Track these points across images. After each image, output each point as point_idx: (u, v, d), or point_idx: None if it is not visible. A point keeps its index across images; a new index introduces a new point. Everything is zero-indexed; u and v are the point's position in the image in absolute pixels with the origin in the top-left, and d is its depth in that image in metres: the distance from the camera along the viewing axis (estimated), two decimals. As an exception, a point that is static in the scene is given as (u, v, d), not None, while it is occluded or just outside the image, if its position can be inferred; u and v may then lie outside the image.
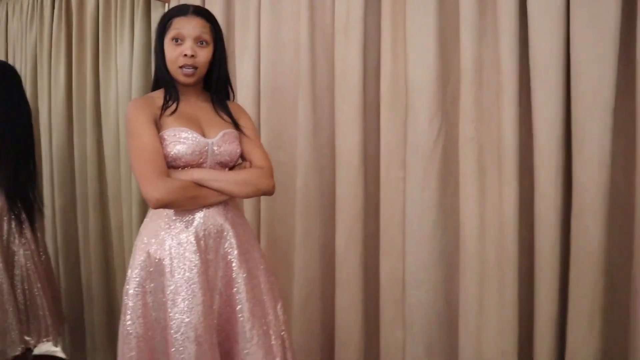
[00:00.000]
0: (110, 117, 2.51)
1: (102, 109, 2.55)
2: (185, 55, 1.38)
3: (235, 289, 1.41)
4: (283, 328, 1.49)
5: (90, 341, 2.79)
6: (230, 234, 1.44)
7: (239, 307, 1.40)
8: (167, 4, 2.29)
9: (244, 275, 1.42)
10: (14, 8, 3.00)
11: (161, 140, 1.37)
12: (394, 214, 1.73)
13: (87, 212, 2.68)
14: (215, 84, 1.49)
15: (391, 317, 1.77)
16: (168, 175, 1.34)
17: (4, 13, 3.08)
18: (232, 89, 1.57)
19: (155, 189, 1.29)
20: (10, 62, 2.97)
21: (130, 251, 2.46)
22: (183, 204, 1.36)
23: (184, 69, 1.40)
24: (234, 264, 1.43)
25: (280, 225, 1.97)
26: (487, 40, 1.58)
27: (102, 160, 2.60)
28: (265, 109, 1.93)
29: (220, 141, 1.43)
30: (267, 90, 1.92)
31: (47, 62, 2.76)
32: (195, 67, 1.41)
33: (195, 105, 1.48)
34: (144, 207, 2.39)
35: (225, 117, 1.50)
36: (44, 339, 2.27)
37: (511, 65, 1.51)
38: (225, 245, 1.43)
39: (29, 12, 2.86)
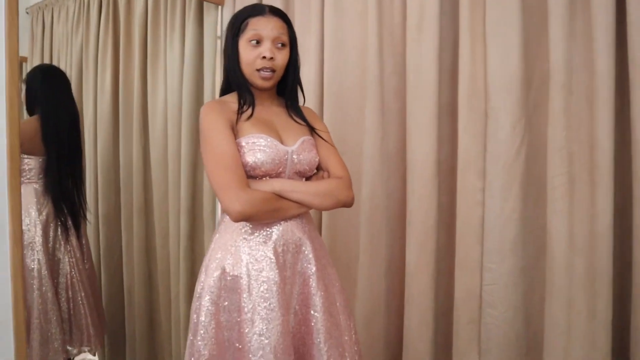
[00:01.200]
0: (158, 123, 2.44)
1: (149, 115, 2.48)
2: (264, 57, 1.29)
3: (312, 309, 1.31)
4: (356, 348, 1.39)
5: (130, 351, 2.72)
6: (309, 249, 1.34)
7: (315, 328, 1.30)
8: (220, 7, 2.22)
9: (322, 293, 1.32)
10: (59, 13, 2.97)
11: (238, 147, 1.27)
12: (472, 227, 1.60)
13: (131, 220, 2.60)
14: (290, 88, 1.40)
15: (466, 339, 1.64)
16: (248, 186, 1.24)
17: (49, 18, 3.05)
18: (303, 92, 1.48)
19: (237, 200, 1.19)
20: (55, 67, 2.93)
21: (176, 261, 2.40)
22: (264, 217, 1.26)
23: (262, 72, 1.30)
24: (311, 282, 1.33)
25: (343, 236, 1.87)
26: (578, 38, 1.46)
27: (148, 167, 2.53)
28: (328, 114, 1.84)
29: (300, 149, 1.33)
30: (331, 95, 1.83)
31: (93, 67, 2.71)
32: (273, 70, 1.32)
33: (270, 110, 1.38)
34: (192, 216, 2.31)
35: (301, 122, 1.41)
36: (85, 348, 2.22)
37: (607, 66, 1.39)
38: (303, 262, 1.34)
39: (75, 17, 2.82)
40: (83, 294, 2.22)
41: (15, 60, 1.71)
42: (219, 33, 2.23)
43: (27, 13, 3.24)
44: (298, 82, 1.43)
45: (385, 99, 1.75)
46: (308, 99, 1.85)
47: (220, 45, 2.25)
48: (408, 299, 1.72)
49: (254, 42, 1.30)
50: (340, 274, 1.86)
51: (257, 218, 1.25)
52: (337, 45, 1.82)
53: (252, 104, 1.34)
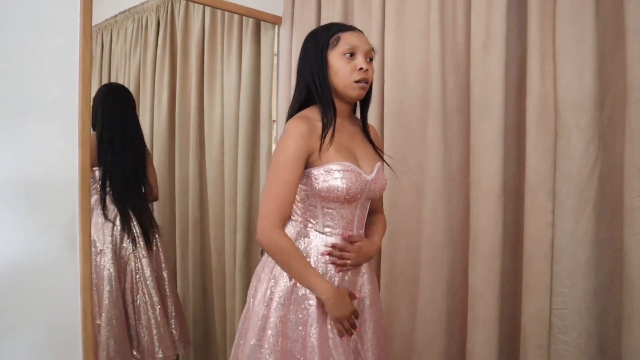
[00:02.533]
0: (214, 140, 2.48)
1: (205, 132, 2.53)
2: (361, 69, 1.31)
3: (364, 337, 1.39)
4: None
5: (185, 364, 2.75)
6: (366, 270, 1.43)
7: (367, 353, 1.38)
8: (277, 26, 2.25)
9: (372, 325, 1.41)
10: (118, 33, 3.07)
11: (324, 174, 1.30)
12: (541, 249, 1.55)
13: (187, 235, 2.65)
14: (368, 106, 1.44)
15: (534, 364, 1.59)
16: (283, 225, 1.32)
17: (108, 38, 3.15)
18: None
19: (263, 234, 1.29)
20: (113, 86, 3.02)
21: (232, 277, 2.42)
22: (276, 262, 1.33)
23: (360, 83, 1.32)
24: (365, 313, 1.41)
25: (403, 257, 1.85)
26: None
27: (204, 183, 2.57)
28: (389, 132, 1.83)
29: (376, 177, 1.39)
30: (392, 114, 1.82)
31: (150, 85, 2.78)
32: (367, 82, 1.34)
33: (348, 130, 1.41)
34: (248, 233, 2.34)
35: (372, 145, 1.45)
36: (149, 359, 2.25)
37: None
38: (362, 286, 1.41)
39: (133, 37, 2.91)
40: (149, 304, 2.25)
41: (88, 84, 1.77)
42: (275, 51, 2.27)
43: (88, 34, 3.37)
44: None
45: (448, 117, 1.73)
46: (369, 118, 1.85)
47: (276, 62, 2.28)
48: (472, 321, 1.68)
49: (349, 55, 1.32)
50: (400, 293, 1.85)
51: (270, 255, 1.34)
52: (398, 63, 1.81)
53: (334, 123, 1.33)
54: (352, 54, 1.32)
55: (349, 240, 1.35)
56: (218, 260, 2.53)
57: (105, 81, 3.18)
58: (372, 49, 1.37)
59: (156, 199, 2.40)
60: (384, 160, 1.46)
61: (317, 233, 1.35)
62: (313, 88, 1.35)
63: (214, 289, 2.59)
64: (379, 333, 1.43)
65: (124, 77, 3.02)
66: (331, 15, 1.99)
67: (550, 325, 1.56)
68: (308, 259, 1.32)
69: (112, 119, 2.24)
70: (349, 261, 1.33)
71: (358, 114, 1.48)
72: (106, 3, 3.08)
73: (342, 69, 1.32)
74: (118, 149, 2.22)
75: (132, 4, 2.92)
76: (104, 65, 3.21)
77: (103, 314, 2.07)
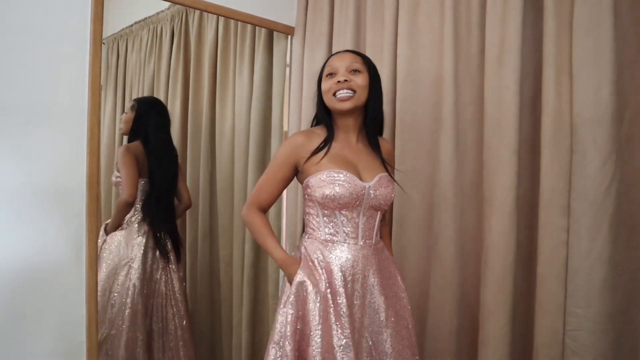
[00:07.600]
0: (225, 150, 2.48)
1: (217, 142, 2.52)
2: (339, 81, 1.39)
3: (382, 339, 1.40)
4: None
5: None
6: (376, 282, 1.42)
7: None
8: (290, 36, 2.24)
9: (390, 331, 1.41)
10: (133, 42, 3.09)
11: (318, 181, 1.38)
12: (554, 267, 1.50)
13: (196, 245, 2.64)
14: (371, 117, 1.45)
15: (547, 387, 1.53)
16: (259, 208, 1.45)
17: (124, 47, 3.18)
18: (382, 125, 1.55)
19: (244, 209, 1.48)
20: (127, 95, 3.05)
21: (239, 288, 2.40)
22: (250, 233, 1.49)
23: (338, 94, 1.39)
24: (381, 315, 1.41)
25: (413, 271, 1.80)
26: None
27: (214, 192, 2.56)
28: (400, 144, 1.80)
29: (377, 185, 1.41)
30: (404, 125, 1.79)
31: (164, 94, 2.79)
32: (351, 89, 1.38)
33: (355, 146, 1.46)
34: (257, 244, 2.32)
35: (380, 158, 1.48)
36: None
37: None
38: (373, 296, 1.42)
39: (148, 46, 2.93)
40: (177, 317, 2.27)
41: (97, 92, 1.77)
42: (288, 62, 2.26)
43: (104, 44, 3.41)
44: (380, 113, 1.48)
45: (461, 130, 1.70)
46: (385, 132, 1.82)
47: (289, 73, 2.27)
48: (482, 340, 1.63)
49: (330, 75, 1.43)
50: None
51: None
52: (410, 74, 1.79)
53: (330, 141, 1.43)
54: (333, 73, 1.42)
55: None
56: (226, 271, 2.51)
57: (120, 90, 3.21)
58: (360, 62, 1.42)
59: (190, 206, 2.42)
60: (388, 172, 1.47)
61: (312, 240, 1.42)
62: (316, 113, 1.51)
63: (222, 300, 2.57)
64: (400, 339, 1.44)
65: (139, 86, 3.04)
66: (344, 26, 1.98)
67: (563, 346, 1.50)
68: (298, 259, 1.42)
69: (159, 132, 2.30)
70: None
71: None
72: (122, 13, 3.12)
73: (325, 89, 1.43)
74: (165, 161, 2.28)
75: (148, 13, 2.95)
76: (119, 74, 3.24)
77: (124, 329, 2.09)
